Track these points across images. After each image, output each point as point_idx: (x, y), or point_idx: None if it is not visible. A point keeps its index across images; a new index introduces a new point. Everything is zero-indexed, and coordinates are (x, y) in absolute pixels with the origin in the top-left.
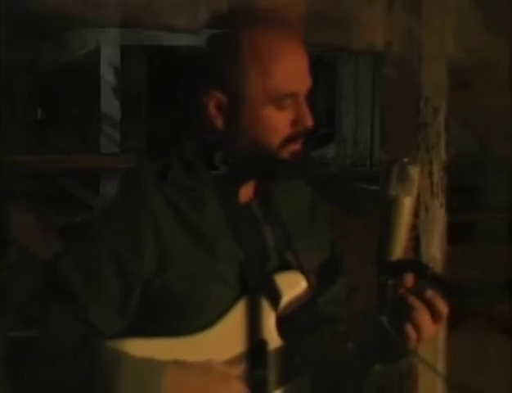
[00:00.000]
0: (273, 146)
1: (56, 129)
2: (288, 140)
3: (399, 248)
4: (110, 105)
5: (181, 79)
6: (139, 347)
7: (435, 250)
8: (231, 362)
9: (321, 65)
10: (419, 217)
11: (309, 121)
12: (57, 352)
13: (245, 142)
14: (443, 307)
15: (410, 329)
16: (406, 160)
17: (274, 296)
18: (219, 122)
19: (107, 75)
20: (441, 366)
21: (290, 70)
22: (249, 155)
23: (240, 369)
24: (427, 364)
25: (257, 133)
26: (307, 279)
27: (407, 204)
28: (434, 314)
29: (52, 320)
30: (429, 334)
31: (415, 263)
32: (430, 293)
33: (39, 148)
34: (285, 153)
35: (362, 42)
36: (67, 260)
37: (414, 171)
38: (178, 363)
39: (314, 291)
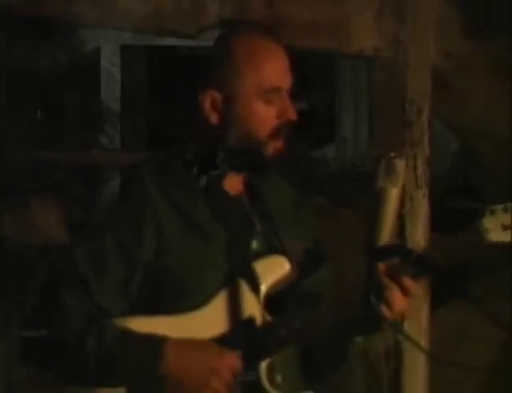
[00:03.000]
0: (262, 138)
1: (56, 129)
2: (275, 131)
3: (386, 234)
4: (109, 104)
5: (181, 80)
6: (140, 325)
7: (419, 237)
8: (221, 337)
9: (321, 65)
10: (404, 207)
11: (293, 114)
12: (68, 332)
13: (237, 135)
14: (410, 284)
15: (383, 306)
16: (392, 154)
17: (257, 279)
18: (214, 118)
19: (107, 75)
20: (424, 343)
21: (276, 67)
22: (241, 148)
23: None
24: (412, 342)
25: (248, 126)
26: (291, 262)
27: (394, 194)
28: (404, 291)
29: (65, 302)
30: (401, 308)
31: (400, 247)
32: (396, 271)
33: (39, 147)
34: (272, 146)
35: (353, 48)
36: (78, 249)
37: (400, 164)
38: (178, 339)
39: (298, 274)
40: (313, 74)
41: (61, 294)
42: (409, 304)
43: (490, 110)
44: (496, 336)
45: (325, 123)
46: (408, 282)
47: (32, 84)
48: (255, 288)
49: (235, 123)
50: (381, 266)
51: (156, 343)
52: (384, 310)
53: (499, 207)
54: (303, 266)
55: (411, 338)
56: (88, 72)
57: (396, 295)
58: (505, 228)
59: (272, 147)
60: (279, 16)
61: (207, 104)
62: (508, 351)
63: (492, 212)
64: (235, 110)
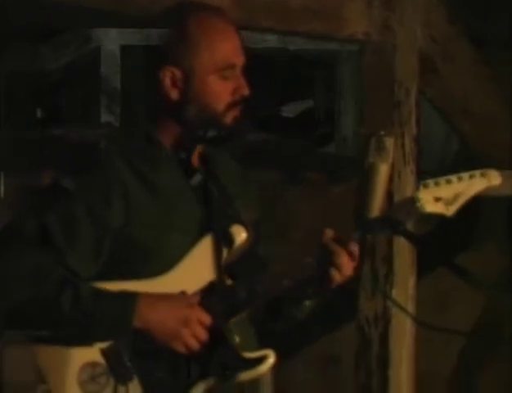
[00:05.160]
0: (219, 112)
1: (56, 129)
2: (230, 106)
3: (376, 208)
4: (109, 105)
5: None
6: (110, 287)
7: None
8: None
9: (321, 64)
10: (393, 182)
11: (246, 90)
12: (43, 293)
13: (195, 109)
14: (356, 249)
15: (333, 270)
16: (382, 132)
17: (221, 243)
18: (174, 94)
19: (107, 75)
20: (411, 308)
21: (230, 45)
22: (200, 121)
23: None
24: (399, 307)
25: (205, 101)
26: (247, 230)
27: (383, 170)
28: (350, 256)
29: (39, 265)
30: (349, 272)
31: (389, 219)
32: (343, 237)
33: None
34: (228, 118)
35: (345, 33)
36: (49, 215)
37: (389, 142)
38: (150, 293)
39: (253, 240)
40: (313, 74)
41: (34, 257)
42: (355, 269)
43: (473, 91)
44: (478, 301)
45: (326, 122)
46: (355, 247)
47: (32, 84)
48: (219, 252)
49: (193, 98)
50: (329, 233)
51: (130, 297)
52: (335, 274)
53: (431, 181)
54: (256, 232)
55: (399, 304)
56: (88, 72)
57: (344, 260)
58: (436, 199)
59: (229, 117)
60: (274, 2)
61: (167, 80)
62: (489, 314)
63: (425, 186)
64: (193, 86)
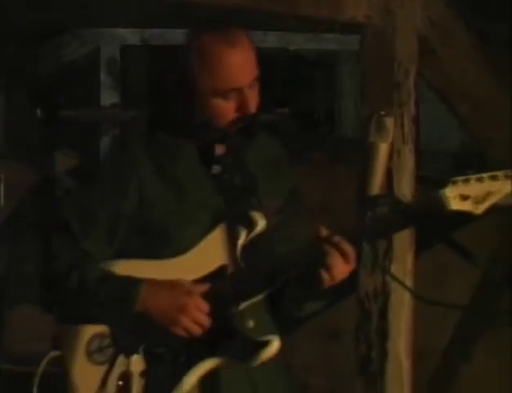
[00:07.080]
0: (222, 126)
1: (55, 129)
2: (233, 122)
3: (377, 185)
4: (109, 104)
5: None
6: (123, 268)
7: (405, 188)
8: (197, 281)
9: (321, 64)
10: (392, 161)
11: (251, 108)
12: (53, 272)
13: (200, 119)
14: (350, 249)
15: (323, 272)
16: (382, 112)
17: (236, 231)
18: (179, 102)
19: (107, 75)
20: (409, 283)
21: (233, 69)
22: (204, 129)
23: (204, 287)
24: (398, 282)
25: (208, 116)
26: (267, 218)
27: (383, 149)
28: (344, 256)
29: (53, 248)
30: (341, 274)
31: (389, 197)
32: (337, 238)
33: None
34: (232, 129)
35: (346, 16)
36: (68, 205)
37: (389, 122)
38: (153, 280)
39: (272, 228)
40: (313, 74)
41: (50, 240)
42: (349, 271)
43: (471, 74)
44: (476, 275)
45: (326, 122)
46: (348, 247)
47: (32, 84)
48: (233, 239)
49: (196, 111)
50: (322, 233)
51: (133, 283)
52: (325, 276)
53: (460, 178)
54: (278, 221)
55: (398, 278)
56: (88, 72)
57: (336, 261)
58: (464, 197)
59: (234, 129)
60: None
61: (173, 89)
62: (483, 288)
63: (454, 183)
64: (197, 100)
